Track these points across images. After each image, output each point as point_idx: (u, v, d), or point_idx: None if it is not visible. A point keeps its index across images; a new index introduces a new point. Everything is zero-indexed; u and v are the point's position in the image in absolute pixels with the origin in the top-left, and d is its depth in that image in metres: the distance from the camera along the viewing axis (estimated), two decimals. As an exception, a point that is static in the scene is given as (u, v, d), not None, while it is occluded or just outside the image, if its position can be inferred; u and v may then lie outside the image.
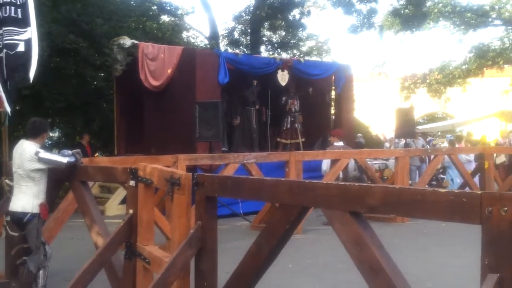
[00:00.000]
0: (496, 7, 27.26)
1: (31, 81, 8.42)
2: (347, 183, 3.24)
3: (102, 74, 15.80)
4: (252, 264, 3.92)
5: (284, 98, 15.70)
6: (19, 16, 8.20)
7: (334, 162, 11.59)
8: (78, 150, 6.50)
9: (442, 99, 29.96)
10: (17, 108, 14.72)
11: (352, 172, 13.91)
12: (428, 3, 26.36)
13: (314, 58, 28.28)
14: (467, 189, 11.63)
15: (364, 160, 12.53)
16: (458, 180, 16.26)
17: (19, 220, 6.11)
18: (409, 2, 24.43)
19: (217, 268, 4.33)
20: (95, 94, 16.18)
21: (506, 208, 2.40)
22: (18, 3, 8.21)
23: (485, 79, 30.04)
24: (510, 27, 28.03)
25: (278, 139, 15.86)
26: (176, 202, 4.41)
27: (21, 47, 8.09)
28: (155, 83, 13.13)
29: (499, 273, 2.42)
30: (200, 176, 4.32)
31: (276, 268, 4.06)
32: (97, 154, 17.01)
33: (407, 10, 24.91)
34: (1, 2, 8.15)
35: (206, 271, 4.28)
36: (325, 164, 11.95)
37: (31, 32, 8.23)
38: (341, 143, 12.46)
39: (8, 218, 6.33)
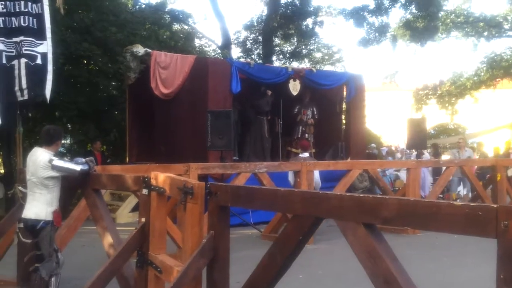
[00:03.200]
0: (509, 18, 27.20)
1: (48, 100, 8.49)
2: (361, 195, 3.22)
3: (114, 83, 15.87)
4: (264, 274, 3.91)
5: (297, 108, 15.72)
6: (35, 26, 8.27)
7: (297, 173, 11.34)
8: (91, 158, 6.55)
9: (450, 110, 29.88)
10: (30, 115, 14.80)
11: (363, 183, 13.89)
12: (441, 14, 26.26)
13: (326, 68, 28.29)
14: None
15: (376, 171, 12.47)
16: (465, 192, 16.15)
17: (33, 227, 6.13)
18: (422, 15, 24.18)
19: (229, 278, 4.33)
20: (107, 102, 16.25)
21: (522, 222, 2.39)
22: (34, 12, 8.29)
23: (497, 90, 29.91)
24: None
25: (289, 149, 15.85)
26: (189, 211, 4.42)
27: (39, 60, 8.17)
28: (165, 91, 13.17)
29: (515, 287, 2.40)
30: (213, 186, 4.33)
31: (287, 278, 4.04)
32: (109, 160, 17.05)
33: (418, 24, 24.71)
34: (18, 11, 8.23)
35: (218, 281, 4.27)
36: (290, 175, 11.67)
37: (47, 47, 8.30)
38: (306, 154, 12.34)
39: (21, 225, 6.37)
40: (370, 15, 25.31)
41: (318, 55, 29.98)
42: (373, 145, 20.12)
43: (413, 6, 24.49)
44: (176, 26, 23.07)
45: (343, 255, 6.04)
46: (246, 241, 10.61)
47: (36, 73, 8.18)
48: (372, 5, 24.97)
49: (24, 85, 8.12)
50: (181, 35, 20.98)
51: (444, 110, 30.12)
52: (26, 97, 8.24)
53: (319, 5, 27.57)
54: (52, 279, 6.14)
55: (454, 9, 27.85)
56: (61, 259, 6.30)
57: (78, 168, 6.12)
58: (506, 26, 27.65)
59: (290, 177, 11.35)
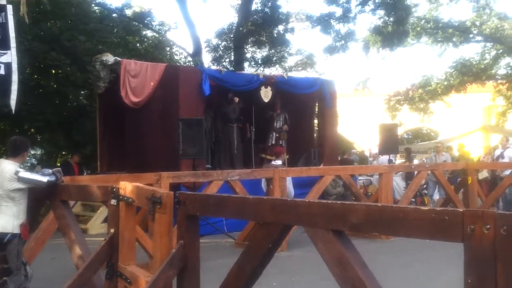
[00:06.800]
0: (477, 23, 27.60)
1: (13, 110, 8.34)
2: (330, 201, 3.20)
3: (83, 92, 15.70)
4: (234, 283, 3.86)
5: (270, 114, 15.70)
6: None
7: (268, 181, 11.28)
8: (59, 168, 6.43)
9: (424, 115, 30.17)
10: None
11: (336, 189, 13.90)
12: (411, 20, 26.48)
13: (298, 74, 28.34)
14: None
15: (349, 176, 12.48)
16: (438, 197, 16.29)
17: (-1, 241, 6.02)
18: (391, 20, 24.30)
19: (199, 287, 4.28)
20: (77, 111, 16.06)
21: (488, 226, 2.37)
22: None
23: (467, 95, 30.27)
24: (490, 43, 28.37)
25: (263, 155, 15.79)
26: (158, 221, 4.36)
27: (2, 70, 8.01)
28: (135, 99, 13.04)
29: (482, 292, 2.39)
30: (181, 195, 4.27)
31: (260, 286, 4.01)
32: (89, 172, 16.84)
33: (389, 28, 24.85)
34: None
35: (189, 291, 4.22)
36: (263, 182, 11.62)
37: (11, 57, 8.14)
38: (279, 162, 12.27)
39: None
40: (336, 22, 25.32)
41: (290, 61, 30.07)
42: (354, 150, 20.03)
43: (382, 10, 24.58)
44: (146, 33, 22.96)
45: (316, 262, 6.02)
46: (220, 250, 10.55)
47: (0, 84, 8.04)
48: (339, 12, 25.03)
49: None
50: (152, 43, 20.88)
51: (416, 113, 30.39)
52: None
53: (288, 11, 27.55)
54: (21, 293, 6.03)
55: (424, 15, 28.18)
56: (29, 272, 6.19)
57: (45, 179, 6.02)
58: (475, 31, 28.06)
59: (263, 184, 11.32)
